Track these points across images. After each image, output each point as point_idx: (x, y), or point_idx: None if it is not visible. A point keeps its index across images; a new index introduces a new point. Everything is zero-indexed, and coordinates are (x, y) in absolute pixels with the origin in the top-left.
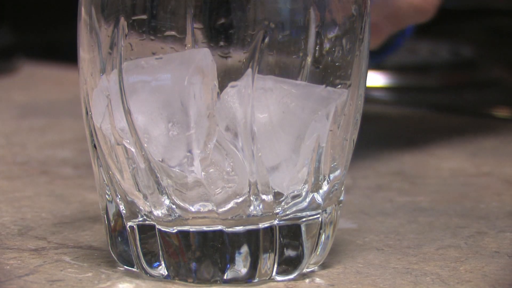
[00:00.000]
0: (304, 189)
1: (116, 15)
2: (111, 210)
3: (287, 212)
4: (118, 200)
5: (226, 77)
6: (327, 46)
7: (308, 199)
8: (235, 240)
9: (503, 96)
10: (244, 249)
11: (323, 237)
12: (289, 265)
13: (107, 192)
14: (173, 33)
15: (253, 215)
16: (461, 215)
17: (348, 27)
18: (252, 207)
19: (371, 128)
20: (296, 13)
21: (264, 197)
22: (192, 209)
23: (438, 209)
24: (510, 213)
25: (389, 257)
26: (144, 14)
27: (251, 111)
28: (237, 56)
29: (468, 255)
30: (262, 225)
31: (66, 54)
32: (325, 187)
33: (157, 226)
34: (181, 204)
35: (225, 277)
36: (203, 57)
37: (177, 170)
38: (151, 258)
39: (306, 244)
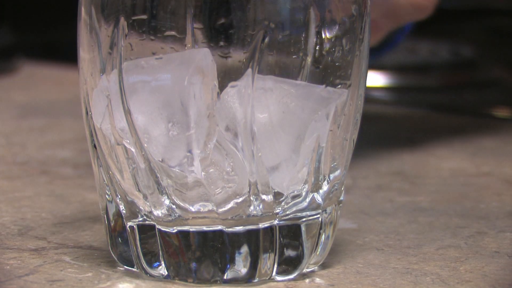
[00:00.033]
0: (304, 189)
1: (116, 15)
2: (111, 210)
3: (287, 212)
4: (118, 200)
5: (226, 77)
6: (327, 46)
7: (308, 199)
8: (235, 240)
9: (503, 96)
10: (244, 249)
11: (323, 237)
12: (289, 265)
13: (107, 192)
14: (173, 33)
15: (253, 215)
16: (461, 215)
17: (348, 27)
18: (252, 207)
19: (371, 128)
20: (296, 13)
21: (264, 197)
22: (192, 209)
23: (438, 209)
24: (510, 213)
25: (389, 257)
26: (144, 14)
27: (251, 111)
28: (237, 56)
29: (468, 255)
30: (262, 225)
31: (66, 54)
32: (325, 187)
33: (157, 226)
34: (181, 204)
35: (225, 277)
36: (203, 57)
37: (177, 170)
38: (151, 258)
39: (306, 244)
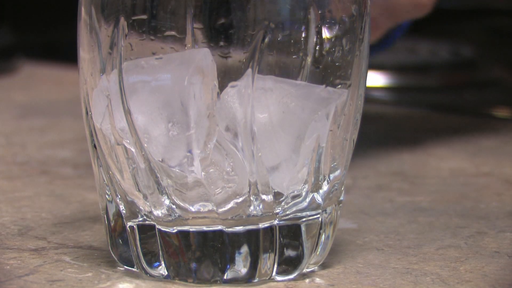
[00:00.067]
0: (304, 189)
1: (116, 15)
2: (111, 210)
3: (287, 212)
4: (118, 200)
5: (226, 77)
6: (327, 46)
7: (308, 199)
8: (235, 240)
9: (503, 96)
10: (244, 249)
11: (323, 237)
12: (289, 265)
13: (107, 192)
14: (173, 33)
15: (253, 215)
16: (461, 215)
17: (348, 27)
18: (252, 207)
19: (371, 128)
20: (296, 13)
21: (264, 197)
22: (192, 209)
23: (438, 209)
24: (510, 213)
25: (389, 257)
26: (144, 14)
27: (251, 111)
28: (237, 56)
29: (468, 255)
30: (262, 225)
31: (66, 54)
32: (325, 187)
33: (157, 226)
34: (181, 204)
35: (225, 277)
36: (203, 57)
37: (177, 170)
38: (151, 258)
39: (306, 244)
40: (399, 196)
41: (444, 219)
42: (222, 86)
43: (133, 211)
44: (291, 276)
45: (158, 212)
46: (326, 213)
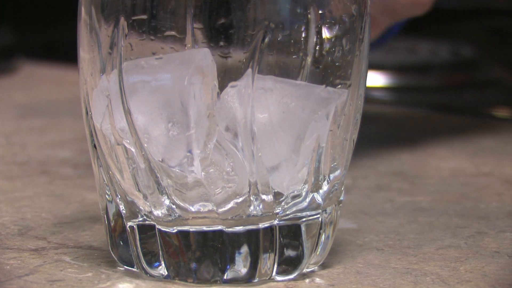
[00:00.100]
0: (304, 189)
1: (116, 15)
2: (111, 210)
3: (287, 212)
4: (118, 200)
5: (226, 77)
6: (327, 46)
7: (308, 199)
8: (235, 240)
9: (503, 96)
10: (244, 249)
11: (323, 237)
12: (289, 265)
13: (107, 192)
14: (173, 33)
15: (253, 215)
16: (461, 215)
17: (348, 27)
18: (252, 207)
19: (371, 128)
20: (296, 13)
21: (264, 197)
22: (192, 209)
23: (438, 209)
24: (510, 213)
25: (389, 257)
26: (144, 14)
27: (251, 111)
28: (237, 56)
29: (468, 255)
30: (262, 225)
31: (66, 54)
32: (325, 187)
33: (157, 226)
34: (181, 204)
35: (225, 277)
36: (203, 57)
37: (177, 170)
38: (151, 258)
39: (306, 244)
40: (399, 196)
41: (444, 219)
42: (222, 86)
43: (133, 211)
44: (291, 276)
45: (158, 212)
46: (326, 213)
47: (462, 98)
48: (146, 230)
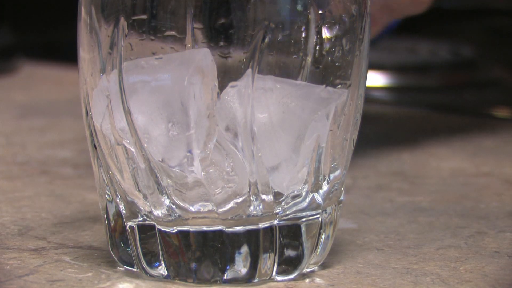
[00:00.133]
0: (304, 189)
1: (116, 15)
2: (111, 210)
3: (287, 212)
4: (118, 200)
5: (226, 77)
6: (327, 46)
7: (308, 199)
8: (235, 240)
9: (503, 96)
10: (244, 249)
11: (323, 237)
12: (289, 265)
13: (107, 192)
14: (173, 33)
15: (253, 215)
16: (461, 215)
17: (348, 27)
18: (252, 207)
19: (371, 128)
20: (296, 13)
21: (264, 197)
22: (192, 209)
23: (438, 209)
24: (510, 213)
25: (389, 257)
26: (144, 14)
27: (251, 111)
28: (237, 56)
29: (468, 255)
30: (262, 225)
31: (66, 54)
32: (325, 187)
33: (157, 226)
34: (181, 204)
35: (225, 277)
36: (203, 57)
37: (177, 170)
38: (151, 258)
39: (306, 244)
40: (399, 196)
41: (444, 219)
42: (222, 86)
43: (133, 211)
44: (291, 276)
45: (158, 212)
46: (326, 213)
47: (462, 98)
48: (146, 230)
